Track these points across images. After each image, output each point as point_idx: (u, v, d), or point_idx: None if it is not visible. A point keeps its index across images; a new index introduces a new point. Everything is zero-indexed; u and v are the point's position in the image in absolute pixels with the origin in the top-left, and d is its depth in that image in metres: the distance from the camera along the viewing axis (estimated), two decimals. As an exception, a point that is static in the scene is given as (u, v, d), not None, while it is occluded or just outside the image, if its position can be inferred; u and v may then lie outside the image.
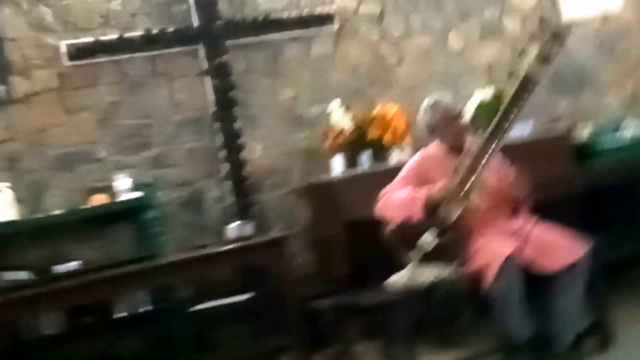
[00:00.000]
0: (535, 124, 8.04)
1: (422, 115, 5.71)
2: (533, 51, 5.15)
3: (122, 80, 7.30)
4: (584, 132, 8.22)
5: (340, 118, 7.56)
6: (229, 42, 7.50)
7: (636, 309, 6.26)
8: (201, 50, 7.47)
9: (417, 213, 5.35)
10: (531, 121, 7.91)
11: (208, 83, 7.47)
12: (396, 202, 5.46)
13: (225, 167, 7.45)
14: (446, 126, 5.59)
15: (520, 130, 7.52)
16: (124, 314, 6.90)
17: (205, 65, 7.47)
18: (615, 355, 5.43)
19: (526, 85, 5.15)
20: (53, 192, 7.06)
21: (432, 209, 5.34)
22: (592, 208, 7.60)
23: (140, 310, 6.95)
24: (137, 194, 7.03)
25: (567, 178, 7.23)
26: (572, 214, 7.28)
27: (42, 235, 6.87)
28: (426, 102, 5.70)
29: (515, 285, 5.06)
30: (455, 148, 5.56)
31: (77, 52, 7.09)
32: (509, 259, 5.03)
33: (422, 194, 5.37)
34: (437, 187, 5.35)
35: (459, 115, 5.64)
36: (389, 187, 5.58)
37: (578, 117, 8.53)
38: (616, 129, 8.29)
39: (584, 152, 7.96)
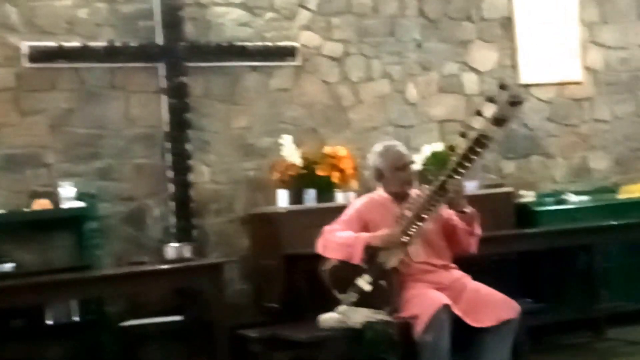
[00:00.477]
0: (480, 183, 8.20)
1: (371, 160, 5.75)
2: (488, 112, 5.18)
3: (80, 88, 7.30)
4: (527, 196, 8.39)
5: (291, 153, 7.61)
6: (190, 64, 7.54)
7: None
8: (161, 68, 7.50)
9: (356, 255, 5.37)
10: (476, 180, 8.06)
11: (164, 102, 7.50)
12: (337, 241, 5.47)
13: (171, 187, 7.46)
14: (393, 174, 5.61)
15: (466, 187, 7.62)
16: (54, 321, 6.88)
17: (163, 83, 7.49)
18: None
19: (477, 144, 5.18)
20: (-4, 191, 7.05)
21: (371, 253, 5.36)
22: (527, 270, 7.78)
23: (71, 319, 6.92)
24: (80, 204, 7.04)
25: (507, 238, 7.39)
26: (508, 273, 7.47)
27: (-20, 233, 6.85)
28: (377, 147, 5.74)
29: (445, 336, 5.08)
30: (400, 196, 5.60)
31: (38, 55, 7.11)
32: (441, 310, 5.06)
33: (363, 238, 5.40)
34: (379, 234, 5.38)
35: (407, 165, 5.67)
36: (331, 226, 5.61)
37: (523, 181, 8.70)
38: (558, 197, 8.47)
39: (526, 215, 8.11)
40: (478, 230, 5.60)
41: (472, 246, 5.63)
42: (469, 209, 5.53)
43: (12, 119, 7.12)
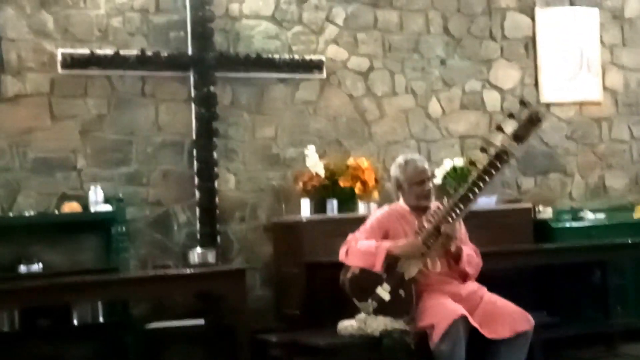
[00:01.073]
0: (499, 198, 8.31)
1: (392, 171, 5.87)
2: (509, 128, 5.31)
3: (111, 95, 7.48)
4: (545, 212, 8.49)
5: (314, 163, 7.75)
6: (218, 74, 7.69)
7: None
8: (191, 77, 7.65)
9: (377, 263, 5.49)
10: (495, 195, 8.18)
11: (193, 110, 7.64)
12: (360, 250, 5.58)
13: (197, 194, 7.60)
14: (410, 188, 5.73)
15: (486, 202, 7.76)
16: (79, 322, 7.01)
17: (192, 92, 7.65)
18: None
19: (498, 160, 5.30)
20: (27, 193, 7.21)
21: (391, 262, 5.48)
22: (543, 284, 7.85)
23: (96, 320, 7.06)
24: (108, 207, 7.17)
25: (524, 252, 7.49)
26: (524, 287, 7.55)
27: (11, 234, 7.01)
28: (400, 159, 5.85)
29: (461, 346, 5.20)
30: (419, 208, 5.72)
31: (72, 62, 7.27)
32: (457, 320, 5.18)
33: (385, 246, 5.51)
34: (401, 243, 5.50)
35: (427, 179, 5.75)
36: (353, 235, 5.72)
37: (541, 198, 8.81)
38: (575, 215, 8.58)
39: (543, 231, 8.23)
40: (467, 268, 5.66)
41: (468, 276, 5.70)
42: (454, 246, 5.57)
43: (45, 123, 7.29)
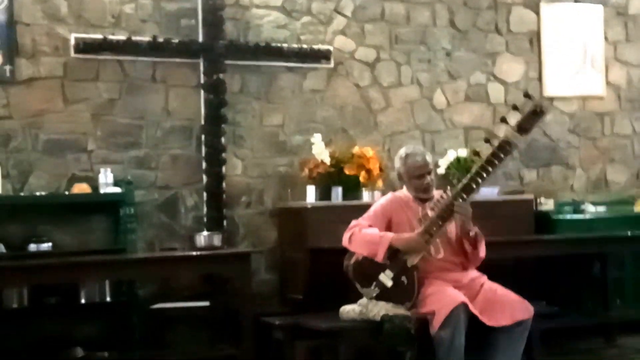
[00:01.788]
0: (502, 190, 8.41)
1: (396, 163, 5.96)
2: (513, 120, 5.38)
3: (122, 80, 7.58)
4: (546, 204, 8.60)
5: (320, 151, 7.85)
6: (228, 62, 7.78)
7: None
8: (201, 64, 7.75)
9: (380, 254, 5.58)
10: (497, 186, 8.29)
11: (202, 97, 7.75)
12: (363, 239, 5.68)
13: (205, 179, 7.70)
14: (415, 178, 5.80)
15: (488, 192, 7.87)
16: (87, 300, 7.11)
17: (202, 79, 7.75)
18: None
19: (501, 150, 5.38)
20: (38, 174, 7.31)
21: (394, 251, 5.58)
22: (543, 275, 7.94)
23: (103, 300, 7.16)
24: (117, 190, 7.28)
25: (525, 243, 7.58)
26: (525, 277, 7.64)
27: (22, 213, 7.12)
28: (402, 151, 5.92)
29: (461, 333, 5.29)
30: (422, 198, 5.82)
31: (85, 47, 7.37)
32: (458, 307, 5.27)
33: (388, 238, 5.60)
34: (404, 237, 5.59)
35: (427, 173, 5.81)
36: (357, 221, 5.81)
37: (543, 190, 8.94)
38: (577, 207, 8.69)
39: (545, 222, 8.33)
40: (482, 253, 5.76)
41: (475, 263, 5.81)
42: (473, 232, 5.69)
43: (58, 106, 7.40)
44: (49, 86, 7.37)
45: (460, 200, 5.48)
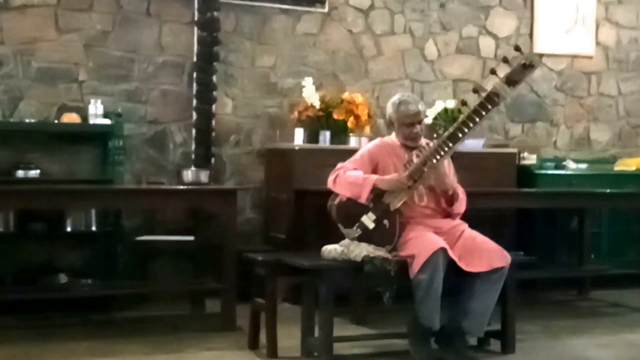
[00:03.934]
0: (486, 142, 8.50)
1: (387, 108, 5.99)
2: (502, 72, 5.44)
3: (116, 12, 7.60)
4: (529, 158, 8.70)
5: (310, 95, 7.91)
6: (222, 0, 7.79)
7: (537, 325, 6.71)
8: (195, 1, 7.76)
9: (363, 195, 5.65)
10: (483, 139, 8.37)
11: (195, 33, 7.78)
12: (347, 180, 5.73)
13: (195, 116, 7.76)
14: (406, 125, 5.84)
15: (473, 144, 7.96)
16: (72, 229, 7.18)
17: (196, 16, 7.76)
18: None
19: (488, 101, 5.43)
20: (29, 102, 7.35)
21: (378, 194, 5.66)
22: (522, 227, 8.07)
23: (89, 229, 7.22)
24: (107, 121, 7.32)
25: (506, 195, 7.70)
26: (504, 228, 7.76)
27: (10, 139, 7.18)
28: (396, 97, 5.95)
29: (439, 277, 5.37)
30: (409, 146, 5.87)
31: (80, -24, 7.37)
32: (437, 252, 5.36)
33: (372, 179, 5.67)
34: (388, 178, 5.66)
35: (417, 122, 5.85)
36: (343, 164, 5.86)
37: (527, 144, 9.04)
38: (558, 163, 8.80)
39: (526, 176, 8.43)
40: (459, 209, 5.84)
41: (453, 217, 5.87)
42: (451, 190, 5.77)
43: (50, 35, 7.41)
44: (42, 14, 7.38)
45: (446, 148, 5.54)
